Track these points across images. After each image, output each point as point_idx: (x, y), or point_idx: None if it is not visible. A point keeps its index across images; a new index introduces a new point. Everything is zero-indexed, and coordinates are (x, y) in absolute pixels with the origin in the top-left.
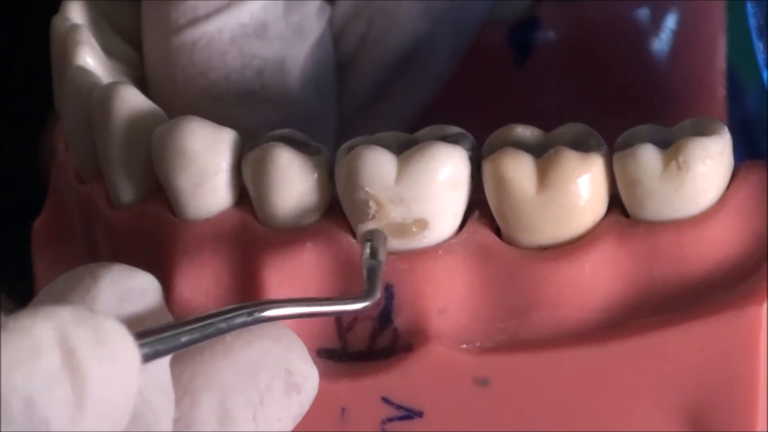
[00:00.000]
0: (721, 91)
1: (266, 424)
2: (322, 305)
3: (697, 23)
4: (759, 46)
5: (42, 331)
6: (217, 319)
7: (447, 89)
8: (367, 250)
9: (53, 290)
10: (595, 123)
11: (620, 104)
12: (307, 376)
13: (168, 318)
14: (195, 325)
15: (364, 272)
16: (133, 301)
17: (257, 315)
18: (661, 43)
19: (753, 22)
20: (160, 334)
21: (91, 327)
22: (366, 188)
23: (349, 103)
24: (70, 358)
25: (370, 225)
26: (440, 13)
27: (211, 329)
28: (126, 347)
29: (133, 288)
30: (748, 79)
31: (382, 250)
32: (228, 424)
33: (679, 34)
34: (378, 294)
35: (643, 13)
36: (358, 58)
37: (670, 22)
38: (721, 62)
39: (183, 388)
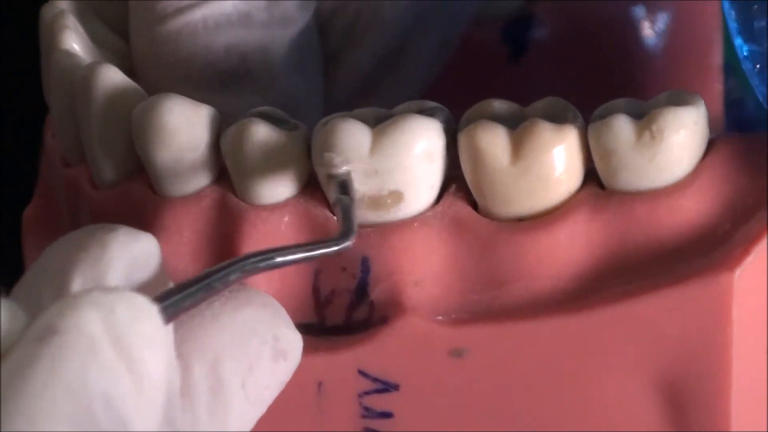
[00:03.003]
0: (717, 88)
1: (254, 390)
2: (305, 251)
3: (692, 20)
4: (731, 14)
5: (91, 325)
6: (212, 278)
7: (441, 85)
8: (337, 190)
9: (59, 256)
10: (589, 118)
11: None
12: (293, 342)
13: (166, 280)
14: (193, 288)
15: (339, 212)
16: (140, 267)
17: (251, 267)
18: (656, 39)
19: None
20: (166, 300)
21: (127, 307)
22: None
23: (338, 97)
24: (119, 345)
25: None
26: (426, 7)
27: (208, 290)
28: (156, 320)
29: (139, 253)
30: (746, 79)
31: (351, 188)
32: (219, 390)
33: (674, 31)
34: (354, 232)
35: (638, 10)
36: (345, 51)
37: (665, 18)
38: (716, 58)
39: (176, 351)
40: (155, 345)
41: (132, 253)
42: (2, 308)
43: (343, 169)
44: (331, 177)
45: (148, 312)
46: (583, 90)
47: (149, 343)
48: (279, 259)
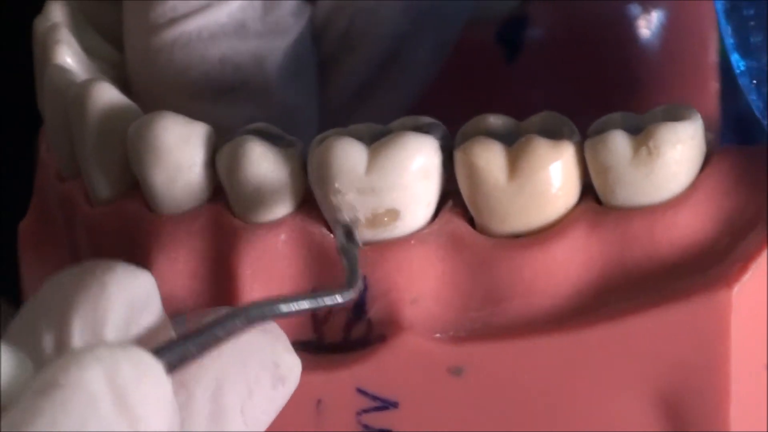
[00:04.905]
0: (713, 86)
1: (253, 417)
2: (310, 302)
3: (688, 18)
4: (727, 29)
5: (94, 380)
6: (216, 328)
7: (437, 88)
8: (342, 237)
9: (58, 296)
10: (586, 120)
11: (611, 101)
12: (292, 367)
13: (166, 319)
14: (197, 339)
15: (344, 261)
16: (140, 306)
17: (256, 317)
18: (652, 38)
19: (719, 6)
20: (169, 353)
21: (132, 365)
22: (336, 184)
23: (334, 103)
24: (122, 402)
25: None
26: (421, 12)
27: (212, 340)
28: (160, 377)
29: (138, 294)
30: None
31: (358, 235)
32: (218, 417)
33: (669, 30)
34: (359, 282)
35: (633, 8)
36: (340, 57)
37: (661, 17)
38: (712, 56)
39: (177, 381)
40: (159, 403)
41: (131, 293)
42: (7, 358)
43: (349, 217)
44: (336, 222)
45: (153, 370)
46: (578, 90)
47: (153, 401)
48: (284, 309)
